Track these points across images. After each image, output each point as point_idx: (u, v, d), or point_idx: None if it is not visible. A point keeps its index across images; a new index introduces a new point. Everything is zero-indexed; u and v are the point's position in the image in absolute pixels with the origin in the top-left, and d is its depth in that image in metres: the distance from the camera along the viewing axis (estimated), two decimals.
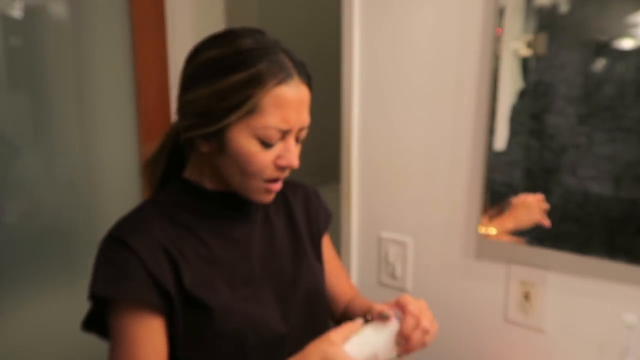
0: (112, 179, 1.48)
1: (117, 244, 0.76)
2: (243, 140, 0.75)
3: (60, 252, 1.37)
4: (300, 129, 0.79)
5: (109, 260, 0.76)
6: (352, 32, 1.28)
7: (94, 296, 0.77)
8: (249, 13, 1.96)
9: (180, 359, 0.78)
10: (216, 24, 1.67)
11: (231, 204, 0.85)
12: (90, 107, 1.41)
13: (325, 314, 0.95)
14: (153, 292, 0.74)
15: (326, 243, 1.02)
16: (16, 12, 1.24)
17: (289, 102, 0.74)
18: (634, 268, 0.98)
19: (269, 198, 0.82)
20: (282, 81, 0.73)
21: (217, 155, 0.79)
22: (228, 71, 0.73)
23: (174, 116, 1.54)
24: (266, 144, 0.76)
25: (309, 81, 0.79)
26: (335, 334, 0.72)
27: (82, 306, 1.39)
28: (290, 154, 0.78)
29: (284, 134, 0.77)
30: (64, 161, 1.38)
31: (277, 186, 0.81)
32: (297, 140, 0.80)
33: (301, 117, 0.77)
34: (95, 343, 1.42)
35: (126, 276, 0.74)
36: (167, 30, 1.52)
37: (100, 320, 0.80)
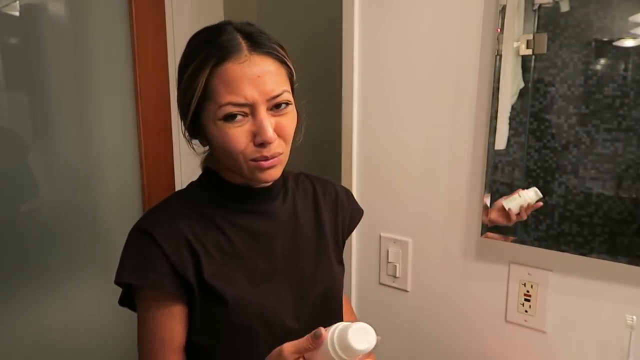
0: (113, 178, 1.47)
1: (143, 235, 0.80)
2: (211, 126, 0.77)
3: (61, 250, 1.36)
4: (270, 99, 0.76)
5: (134, 249, 0.80)
6: (352, 32, 1.28)
7: (119, 282, 0.81)
8: (249, 13, 1.96)
9: (195, 343, 0.83)
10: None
11: (254, 198, 0.87)
12: (90, 107, 1.40)
13: (338, 315, 0.95)
14: (174, 282, 0.78)
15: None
16: (16, 11, 1.24)
17: (236, 78, 0.73)
18: (635, 268, 0.98)
19: (268, 176, 0.80)
20: (222, 59, 0.73)
21: (211, 148, 0.83)
22: (184, 69, 0.78)
23: (174, 116, 1.55)
24: (230, 121, 0.75)
25: (273, 53, 0.77)
26: (288, 347, 0.70)
27: (83, 303, 1.40)
28: (262, 129, 0.75)
29: (251, 110, 0.75)
30: (64, 160, 1.37)
31: (269, 163, 0.78)
32: (277, 107, 0.77)
33: (262, 89, 0.74)
34: (96, 340, 1.42)
35: (149, 266, 0.78)
36: (167, 30, 1.52)
37: (131, 297, 0.85)
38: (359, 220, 1.04)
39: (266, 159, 0.78)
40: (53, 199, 1.35)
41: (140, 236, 0.80)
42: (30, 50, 1.27)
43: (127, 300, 0.86)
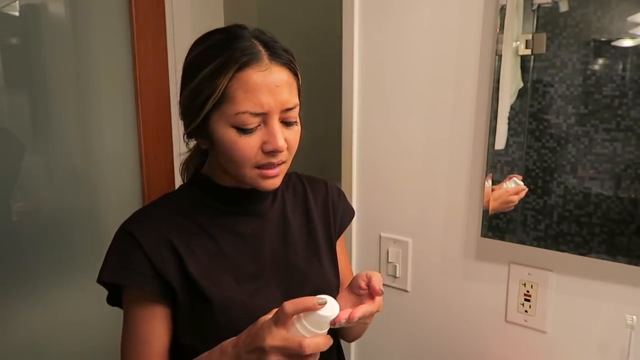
0: (112, 178, 1.48)
1: (126, 235, 0.81)
2: (222, 130, 0.77)
3: (60, 251, 1.37)
4: (284, 111, 0.78)
5: (117, 249, 0.82)
6: (352, 32, 1.28)
7: (101, 281, 0.82)
8: (249, 13, 1.96)
9: (183, 345, 0.83)
10: (216, 24, 1.66)
11: (243, 199, 0.87)
12: (90, 108, 1.40)
13: None
14: (154, 282, 0.79)
15: (340, 245, 1.02)
16: (16, 11, 1.24)
17: (256, 85, 0.74)
18: (635, 268, 0.98)
19: (270, 184, 0.81)
20: (245, 65, 0.74)
21: (212, 150, 0.82)
22: (199, 69, 0.77)
23: (174, 116, 1.55)
24: (243, 130, 0.76)
25: (289, 64, 0.79)
26: (289, 304, 0.68)
27: (82, 304, 1.40)
28: (274, 137, 0.76)
29: (264, 118, 0.76)
30: (63, 161, 1.38)
31: (274, 172, 0.80)
32: (287, 122, 0.79)
33: (278, 99, 0.76)
34: (95, 341, 1.42)
35: (130, 266, 0.79)
36: (167, 30, 1.52)
37: (118, 296, 0.86)
38: (351, 221, 1.03)
39: (273, 166, 0.79)
40: (53, 199, 1.36)
41: (123, 236, 0.81)
42: (30, 50, 1.27)
43: (115, 299, 0.87)
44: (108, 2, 1.41)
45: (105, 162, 1.45)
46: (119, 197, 1.49)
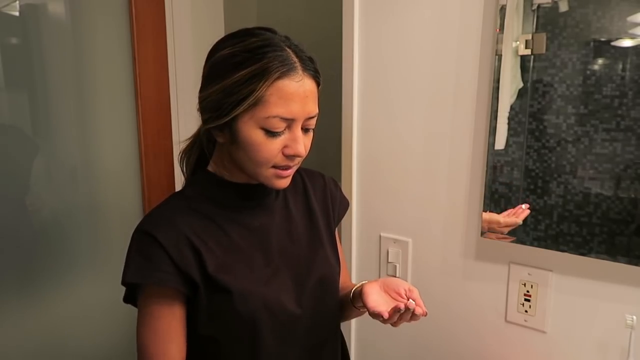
0: (112, 178, 1.47)
1: (146, 236, 0.84)
2: (250, 130, 0.80)
3: (61, 250, 1.37)
4: (307, 119, 0.83)
5: (138, 251, 0.84)
6: (352, 32, 1.28)
7: (126, 282, 0.85)
8: (249, 13, 1.96)
9: (203, 336, 0.87)
10: (215, 24, 1.67)
11: (250, 195, 0.92)
12: (90, 107, 1.40)
13: (336, 298, 1.00)
14: (177, 279, 0.82)
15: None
16: (16, 11, 1.24)
17: (291, 94, 0.79)
18: (635, 268, 0.98)
19: (282, 183, 0.87)
20: (284, 75, 0.78)
21: (231, 146, 0.85)
22: (235, 68, 0.79)
23: (174, 116, 1.55)
24: (271, 133, 0.80)
25: (316, 75, 0.84)
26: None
27: (83, 302, 1.40)
28: (297, 143, 0.82)
29: (290, 124, 0.81)
30: (64, 160, 1.38)
31: (288, 173, 0.86)
32: (306, 130, 0.84)
33: (306, 108, 0.81)
34: (96, 339, 1.42)
35: (153, 265, 0.82)
36: (167, 30, 1.52)
37: (135, 296, 0.89)
38: (346, 211, 1.09)
39: (289, 168, 0.85)
40: (53, 198, 1.36)
41: (143, 237, 0.84)
42: (30, 50, 1.27)
43: (131, 298, 0.90)
44: (108, 2, 1.41)
45: (106, 161, 1.45)
46: (119, 197, 1.49)
